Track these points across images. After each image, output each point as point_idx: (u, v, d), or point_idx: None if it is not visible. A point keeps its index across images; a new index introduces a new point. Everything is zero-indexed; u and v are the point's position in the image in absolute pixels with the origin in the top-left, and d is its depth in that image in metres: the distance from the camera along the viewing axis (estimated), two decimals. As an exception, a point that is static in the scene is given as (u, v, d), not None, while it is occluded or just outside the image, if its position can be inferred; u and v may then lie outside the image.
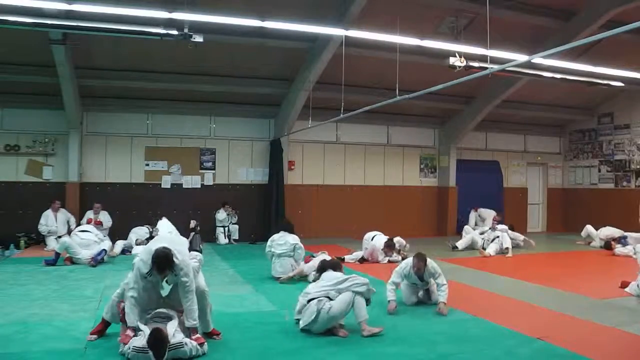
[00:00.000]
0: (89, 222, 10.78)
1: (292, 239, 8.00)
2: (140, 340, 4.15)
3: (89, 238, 9.15)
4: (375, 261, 9.62)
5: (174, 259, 4.38)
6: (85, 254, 8.93)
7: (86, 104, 11.76)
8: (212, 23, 8.47)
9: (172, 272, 4.40)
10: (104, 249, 9.08)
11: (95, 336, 4.65)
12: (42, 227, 10.73)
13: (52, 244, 10.59)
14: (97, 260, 8.81)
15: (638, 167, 14.47)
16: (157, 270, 4.35)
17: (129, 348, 4.15)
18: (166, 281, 4.60)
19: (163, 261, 4.33)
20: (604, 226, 12.02)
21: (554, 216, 16.49)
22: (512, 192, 15.74)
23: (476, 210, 14.03)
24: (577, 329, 5.33)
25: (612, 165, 15.21)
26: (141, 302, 4.42)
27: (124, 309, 4.43)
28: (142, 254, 4.52)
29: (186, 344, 4.24)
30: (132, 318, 4.34)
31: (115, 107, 12.15)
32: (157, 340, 4.03)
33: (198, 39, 8.43)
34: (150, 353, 4.01)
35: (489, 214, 13.37)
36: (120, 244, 10.12)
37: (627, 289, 6.82)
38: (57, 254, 8.85)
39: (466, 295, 5.98)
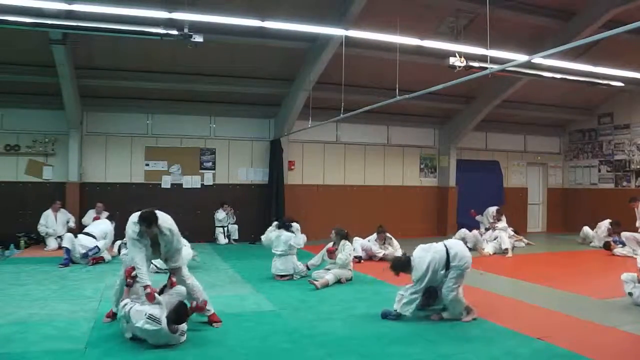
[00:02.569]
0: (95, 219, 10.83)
1: (286, 237, 7.93)
2: (158, 310, 4.47)
3: (90, 241, 9.13)
4: (371, 256, 9.83)
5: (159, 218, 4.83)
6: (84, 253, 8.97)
7: (86, 104, 11.75)
8: (212, 23, 8.46)
9: (157, 228, 4.81)
10: (96, 246, 9.06)
11: (109, 319, 5.04)
12: (42, 228, 10.70)
13: (52, 244, 10.60)
14: (90, 257, 8.86)
15: (638, 167, 14.47)
16: (145, 224, 4.76)
17: (145, 314, 4.42)
18: (159, 245, 4.93)
19: (149, 216, 4.78)
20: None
21: (554, 216, 16.50)
22: (512, 192, 15.73)
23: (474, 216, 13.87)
24: (577, 329, 5.33)
25: (612, 165, 15.21)
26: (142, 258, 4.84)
27: (129, 273, 4.83)
28: (129, 223, 4.90)
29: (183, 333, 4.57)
30: (143, 276, 4.72)
31: (115, 107, 12.15)
32: (179, 314, 4.50)
33: (198, 39, 8.42)
34: (164, 323, 4.38)
35: (487, 213, 13.24)
36: (119, 244, 10.12)
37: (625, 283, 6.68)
38: (68, 250, 8.83)
39: (466, 295, 5.97)
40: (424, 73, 10.79)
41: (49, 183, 11.75)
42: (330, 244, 7.85)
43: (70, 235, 9.13)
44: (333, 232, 7.88)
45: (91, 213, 11.24)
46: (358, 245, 9.83)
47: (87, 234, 9.33)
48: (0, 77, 10.66)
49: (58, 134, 11.75)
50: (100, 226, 9.60)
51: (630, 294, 6.26)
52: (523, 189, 16.28)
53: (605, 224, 12.01)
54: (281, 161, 12.93)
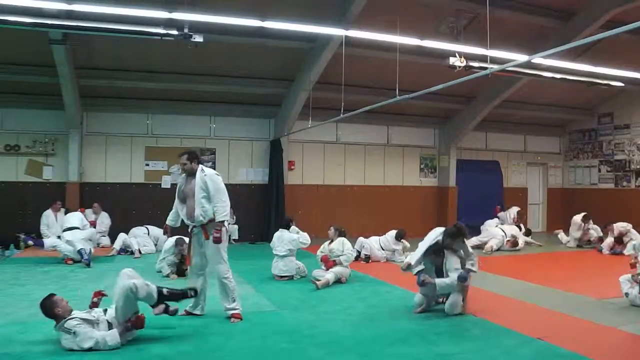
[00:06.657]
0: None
1: (290, 236, 7.93)
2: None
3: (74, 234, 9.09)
4: (375, 260, 9.76)
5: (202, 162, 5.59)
6: (74, 249, 8.94)
7: (86, 104, 11.75)
8: (212, 23, 8.47)
9: (195, 163, 5.54)
10: (82, 248, 8.87)
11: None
12: (44, 229, 10.63)
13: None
14: (86, 259, 8.73)
15: (638, 167, 14.47)
16: (183, 155, 5.55)
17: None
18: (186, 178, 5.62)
19: (190, 149, 5.74)
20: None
21: (554, 216, 16.46)
22: (512, 192, 15.73)
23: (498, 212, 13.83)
24: (577, 329, 5.33)
25: (612, 165, 15.21)
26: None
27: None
28: None
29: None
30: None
31: (115, 107, 12.15)
32: None
33: (198, 39, 8.43)
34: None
35: (509, 213, 13.29)
36: (121, 237, 10.14)
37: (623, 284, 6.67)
38: (81, 251, 8.79)
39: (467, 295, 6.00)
40: (424, 73, 10.78)
41: (49, 183, 11.75)
42: (327, 243, 7.83)
43: (51, 239, 9.13)
44: (332, 228, 7.88)
45: (88, 213, 11.20)
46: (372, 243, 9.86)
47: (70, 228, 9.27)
48: (0, 77, 10.66)
49: (58, 134, 11.74)
50: (73, 218, 9.54)
51: (626, 294, 6.26)
52: (523, 189, 16.28)
53: (577, 219, 12.03)
54: (281, 161, 12.93)
